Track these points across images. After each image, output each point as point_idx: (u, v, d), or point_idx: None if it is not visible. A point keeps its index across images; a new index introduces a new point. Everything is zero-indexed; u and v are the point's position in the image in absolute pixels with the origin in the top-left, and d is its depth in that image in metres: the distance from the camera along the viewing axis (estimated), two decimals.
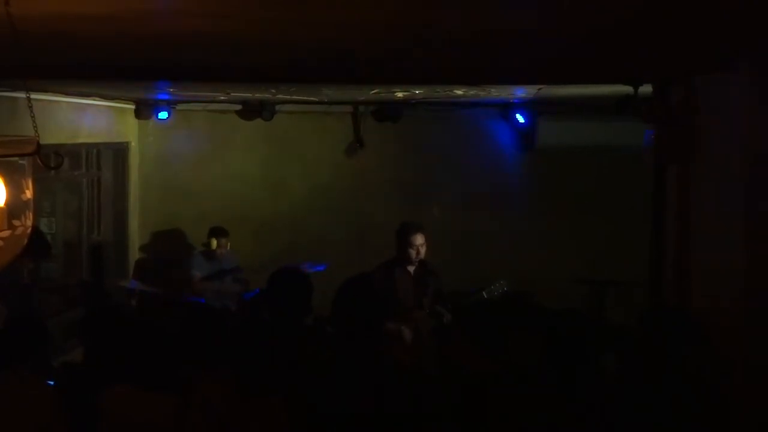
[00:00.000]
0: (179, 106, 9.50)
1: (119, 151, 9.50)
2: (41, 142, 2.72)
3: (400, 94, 7.95)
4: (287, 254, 8.53)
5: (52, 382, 4.08)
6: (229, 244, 8.76)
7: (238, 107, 9.36)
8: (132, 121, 9.57)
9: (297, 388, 3.85)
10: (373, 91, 7.61)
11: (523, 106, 9.25)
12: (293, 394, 3.81)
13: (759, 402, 3.99)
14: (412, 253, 6.67)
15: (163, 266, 9.43)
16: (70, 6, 2.75)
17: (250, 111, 9.31)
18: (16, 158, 2.71)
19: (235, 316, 7.25)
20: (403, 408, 3.81)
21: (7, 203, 2.67)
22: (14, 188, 2.70)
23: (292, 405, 3.78)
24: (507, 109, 9.45)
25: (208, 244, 8.71)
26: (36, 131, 2.79)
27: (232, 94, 8.05)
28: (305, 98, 8.67)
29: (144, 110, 9.31)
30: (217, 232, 8.71)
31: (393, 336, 6.04)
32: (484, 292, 6.86)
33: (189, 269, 8.65)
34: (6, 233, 2.67)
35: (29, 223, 2.79)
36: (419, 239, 6.68)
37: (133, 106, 9.32)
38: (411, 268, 6.75)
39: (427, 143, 9.71)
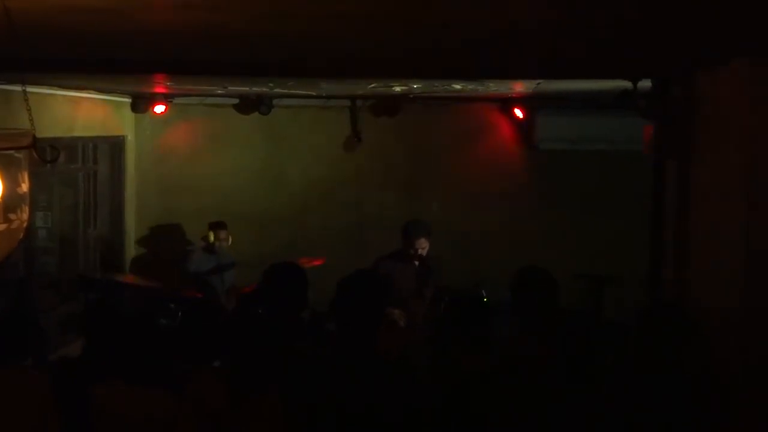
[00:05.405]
0: (176, 100, 9.47)
1: (115, 145, 9.47)
2: (37, 135, 2.70)
3: (398, 89, 7.93)
4: (285, 248, 8.52)
5: (43, 378, 4.05)
6: (230, 237, 8.77)
7: (236, 101, 9.33)
8: (128, 115, 9.54)
9: (293, 383, 3.83)
10: (370, 86, 7.59)
11: (521, 100, 9.23)
12: (289, 390, 3.79)
13: (759, 402, 3.97)
14: (414, 252, 6.90)
15: (160, 261, 9.43)
16: None
17: (248, 105, 9.29)
18: (11, 151, 2.69)
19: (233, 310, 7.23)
20: (399, 405, 3.80)
21: (3, 197, 2.65)
22: (10, 182, 2.68)
23: (288, 401, 3.76)
24: (505, 103, 9.43)
25: (206, 238, 8.72)
26: (32, 124, 2.78)
27: (229, 87, 8.02)
28: (303, 92, 8.65)
29: (140, 104, 9.28)
30: (214, 225, 8.72)
31: (388, 320, 6.12)
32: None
33: (188, 267, 8.66)
34: (2, 227, 2.66)
35: (25, 216, 2.77)
36: (423, 243, 6.90)
37: (129, 100, 9.29)
38: (416, 261, 6.94)
39: (425, 138, 9.70)
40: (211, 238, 8.68)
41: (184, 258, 8.90)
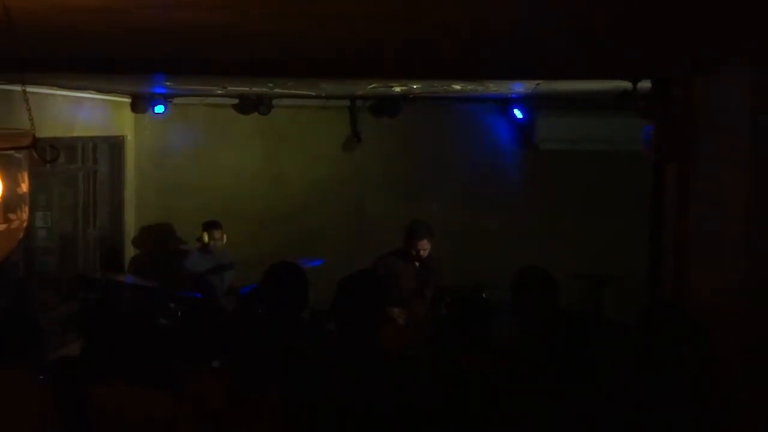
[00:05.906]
0: (176, 100, 9.47)
1: (115, 145, 9.48)
2: (37, 135, 2.70)
3: (397, 89, 7.93)
4: (285, 248, 8.51)
5: (43, 378, 4.05)
6: (224, 236, 8.76)
7: (236, 101, 9.33)
8: (128, 115, 9.54)
9: (293, 383, 3.83)
10: (370, 86, 7.59)
11: (521, 101, 9.23)
12: (289, 390, 3.79)
13: (759, 402, 3.97)
14: (415, 252, 6.90)
15: (159, 261, 9.43)
16: None
17: (248, 105, 9.29)
18: (11, 151, 2.69)
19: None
20: (399, 405, 3.80)
21: (3, 197, 2.64)
22: (10, 182, 2.68)
23: (288, 401, 3.76)
24: (505, 104, 9.43)
25: (201, 239, 8.71)
26: (32, 124, 2.77)
27: (229, 88, 8.02)
28: (302, 92, 8.65)
29: (140, 104, 9.29)
30: (208, 225, 8.70)
31: (388, 319, 6.13)
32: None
33: (185, 266, 8.66)
34: (2, 227, 2.65)
35: (25, 216, 2.77)
36: (425, 244, 6.90)
37: (129, 100, 9.29)
38: (416, 261, 6.96)
39: (424, 138, 9.70)
40: (206, 238, 8.67)
41: (181, 257, 8.89)
